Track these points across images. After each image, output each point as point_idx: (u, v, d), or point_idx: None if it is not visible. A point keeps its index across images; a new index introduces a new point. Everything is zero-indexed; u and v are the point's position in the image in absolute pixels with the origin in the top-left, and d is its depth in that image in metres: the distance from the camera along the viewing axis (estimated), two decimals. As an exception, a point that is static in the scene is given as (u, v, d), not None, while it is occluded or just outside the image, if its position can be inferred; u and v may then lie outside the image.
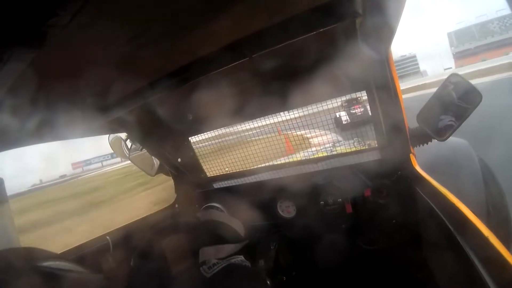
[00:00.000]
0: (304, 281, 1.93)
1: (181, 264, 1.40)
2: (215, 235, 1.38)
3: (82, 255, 1.54)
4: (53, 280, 0.65)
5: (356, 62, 1.26)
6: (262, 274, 1.63)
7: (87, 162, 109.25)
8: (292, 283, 1.90)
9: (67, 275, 0.69)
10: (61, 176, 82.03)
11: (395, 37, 1.13)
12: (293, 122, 1.86)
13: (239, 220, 1.55)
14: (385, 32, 1.07)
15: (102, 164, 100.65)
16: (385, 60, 1.26)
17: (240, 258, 1.36)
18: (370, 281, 1.73)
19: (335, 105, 1.71)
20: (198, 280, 1.24)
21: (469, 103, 1.28)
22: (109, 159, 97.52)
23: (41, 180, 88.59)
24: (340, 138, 2.47)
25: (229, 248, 1.36)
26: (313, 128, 1.90)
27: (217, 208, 2.01)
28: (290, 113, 1.81)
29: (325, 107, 1.74)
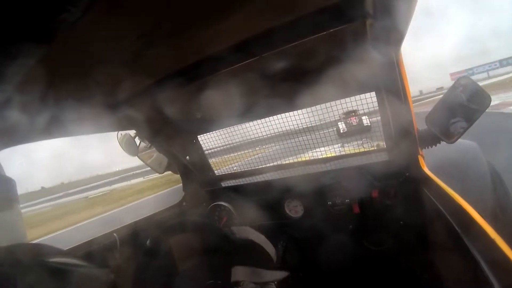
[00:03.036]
0: (311, 281, 1.95)
1: (209, 277, 1.32)
2: (250, 255, 1.34)
3: (89, 252, 1.56)
4: (60, 275, 0.66)
5: (366, 63, 1.27)
6: None
7: (470, 71, 72.84)
8: (299, 283, 1.92)
9: (74, 270, 0.70)
10: (438, 89, 67.83)
11: (405, 39, 1.15)
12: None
13: (250, 229, 1.54)
14: (395, 34, 1.08)
15: (488, 74, 68.35)
16: (395, 62, 1.27)
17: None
18: (377, 282, 1.75)
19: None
20: None
21: (478, 105, 1.29)
22: (497, 67, 68.71)
23: (421, 91, 77.04)
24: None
25: (266, 274, 1.31)
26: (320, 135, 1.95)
27: (224, 207, 2.04)
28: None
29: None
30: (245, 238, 1.42)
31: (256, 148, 2.22)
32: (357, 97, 1.64)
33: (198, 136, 2.15)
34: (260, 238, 1.45)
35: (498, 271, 0.73)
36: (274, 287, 1.30)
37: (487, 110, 1.30)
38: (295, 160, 2.25)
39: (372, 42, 1.14)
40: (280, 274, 1.36)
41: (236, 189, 2.10)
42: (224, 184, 2.23)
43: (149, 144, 2.01)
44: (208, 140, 2.15)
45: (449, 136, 1.37)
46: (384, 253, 1.73)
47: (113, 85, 1.23)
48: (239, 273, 1.26)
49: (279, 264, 1.77)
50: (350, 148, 2.16)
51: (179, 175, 2.23)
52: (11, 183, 1.10)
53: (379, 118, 1.66)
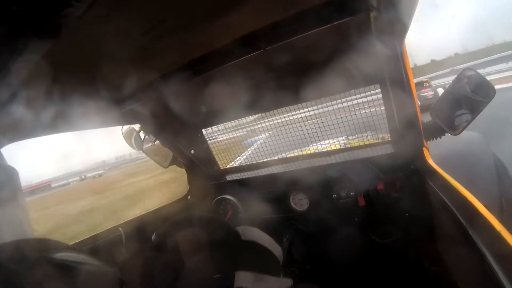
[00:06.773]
0: (317, 274, 2.00)
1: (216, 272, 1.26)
2: (255, 257, 1.28)
3: (95, 247, 1.62)
4: (66, 272, 0.66)
5: (370, 55, 1.31)
6: None
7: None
8: (305, 276, 1.96)
9: (80, 267, 0.70)
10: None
11: (409, 31, 1.17)
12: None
13: (256, 230, 1.52)
14: (399, 26, 1.11)
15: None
16: (399, 54, 1.30)
17: None
18: (383, 274, 1.80)
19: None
20: None
21: (483, 97, 1.32)
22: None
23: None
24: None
25: (270, 280, 1.23)
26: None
27: (230, 200, 2.09)
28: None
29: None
30: (251, 239, 1.35)
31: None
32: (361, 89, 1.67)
33: (203, 130, 2.21)
34: (266, 240, 1.37)
35: (503, 263, 0.76)
36: None
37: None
38: (300, 153, 2.29)
39: (377, 34, 1.18)
40: (284, 282, 1.29)
41: (241, 183, 2.15)
42: (229, 177, 2.28)
43: (154, 138, 2.06)
44: (213, 134, 2.20)
45: (453, 128, 1.41)
46: (390, 246, 1.77)
47: (118, 80, 1.27)
48: (242, 278, 1.19)
49: (285, 261, 1.80)
50: (355, 140, 2.18)
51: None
52: (12, 172, 1.08)
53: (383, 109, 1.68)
